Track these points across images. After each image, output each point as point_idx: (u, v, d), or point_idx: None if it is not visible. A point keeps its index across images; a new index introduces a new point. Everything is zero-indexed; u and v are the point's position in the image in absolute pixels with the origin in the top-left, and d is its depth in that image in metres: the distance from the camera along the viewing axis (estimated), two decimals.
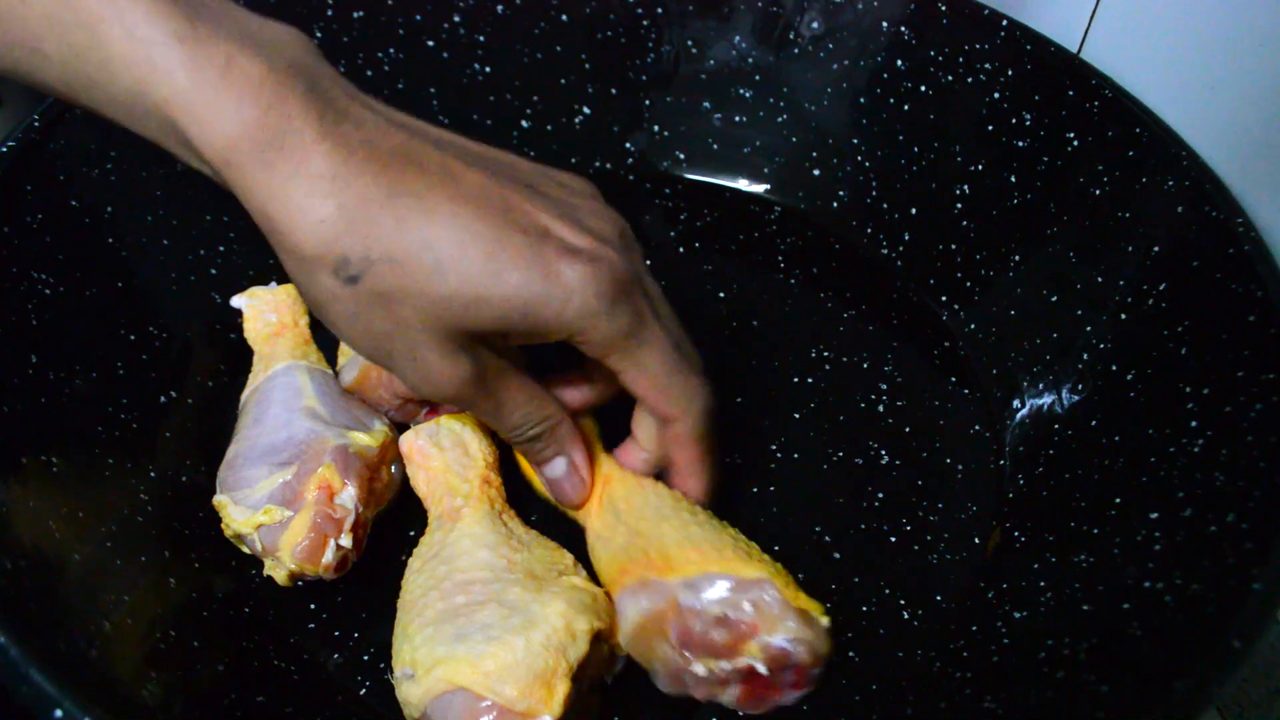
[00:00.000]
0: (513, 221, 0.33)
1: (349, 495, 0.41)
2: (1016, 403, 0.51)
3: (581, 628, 0.36)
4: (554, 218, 0.34)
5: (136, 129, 0.32)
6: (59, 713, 0.29)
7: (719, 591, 0.37)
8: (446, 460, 0.43)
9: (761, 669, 0.36)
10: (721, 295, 0.57)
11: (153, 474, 0.44)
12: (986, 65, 0.54)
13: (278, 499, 0.40)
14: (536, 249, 0.33)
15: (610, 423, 0.44)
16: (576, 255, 0.34)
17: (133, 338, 0.46)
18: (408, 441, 0.44)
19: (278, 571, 0.41)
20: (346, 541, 0.40)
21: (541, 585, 0.38)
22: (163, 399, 0.46)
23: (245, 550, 0.42)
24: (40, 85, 0.32)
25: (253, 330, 0.49)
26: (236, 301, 0.50)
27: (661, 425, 0.40)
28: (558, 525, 0.44)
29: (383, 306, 0.33)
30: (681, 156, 0.63)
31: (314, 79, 0.32)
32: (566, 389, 0.42)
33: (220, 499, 0.41)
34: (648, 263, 0.39)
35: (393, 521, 0.45)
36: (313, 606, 0.43)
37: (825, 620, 0.37)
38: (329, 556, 0.40)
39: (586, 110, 0.62)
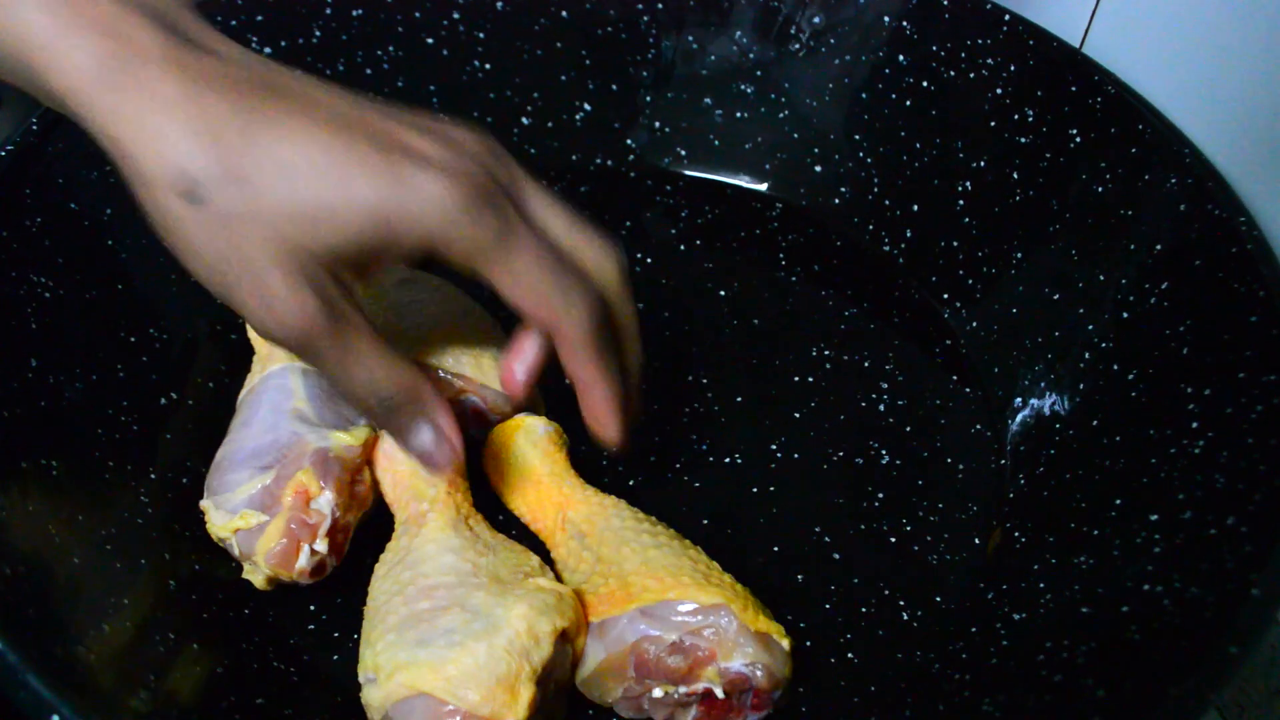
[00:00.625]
0: (368, 136, 0.33)
1: (326, 500, 0.41)
2: (1018, 402, 0.51)
3: (544, 629, 0.36)
4: (412, 133, 0.34)
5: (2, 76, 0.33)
6: (56, 718, 0.29)
7: (676, 618, 0.37)
8: (413, 464, 0.43)
9: (719, 693, 0.37)
10: (722, 293, 0.57)
11: (153, 476, 0.44)
12: (988, 61, 0.54)
13: (256, 503, 0.40)
14: (389, 158, 0.33)
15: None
16: (431, 163, 0.33)
17: (133, 340, 0.46)
18: (375, 445, 0.44)
19: (255, 576, 0.41)
20: (322, 546, 0.40)
21: (506, 589, 0.38)
22: (163, 401, 0.47)
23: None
24: None
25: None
26: None
27: (552, 342, 0.38)
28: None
29: (228, 229, 0.32)
30: (682, 153, 0.63)
31: (171, 18, 0.33)
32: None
33: (204, 503, 0.42)
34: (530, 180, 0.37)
35: (393, 521, 0.45)
36: (312, 608, 0.43)
37: (786, 643, 0.37)
38: (303, 561, 0.40)
39: (587, 107, 0.61)
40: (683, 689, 0.37)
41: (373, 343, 0.36)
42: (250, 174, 0.32)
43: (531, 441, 0.44)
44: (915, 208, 0.58)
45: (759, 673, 0.36)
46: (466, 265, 0.35)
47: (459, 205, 0.33)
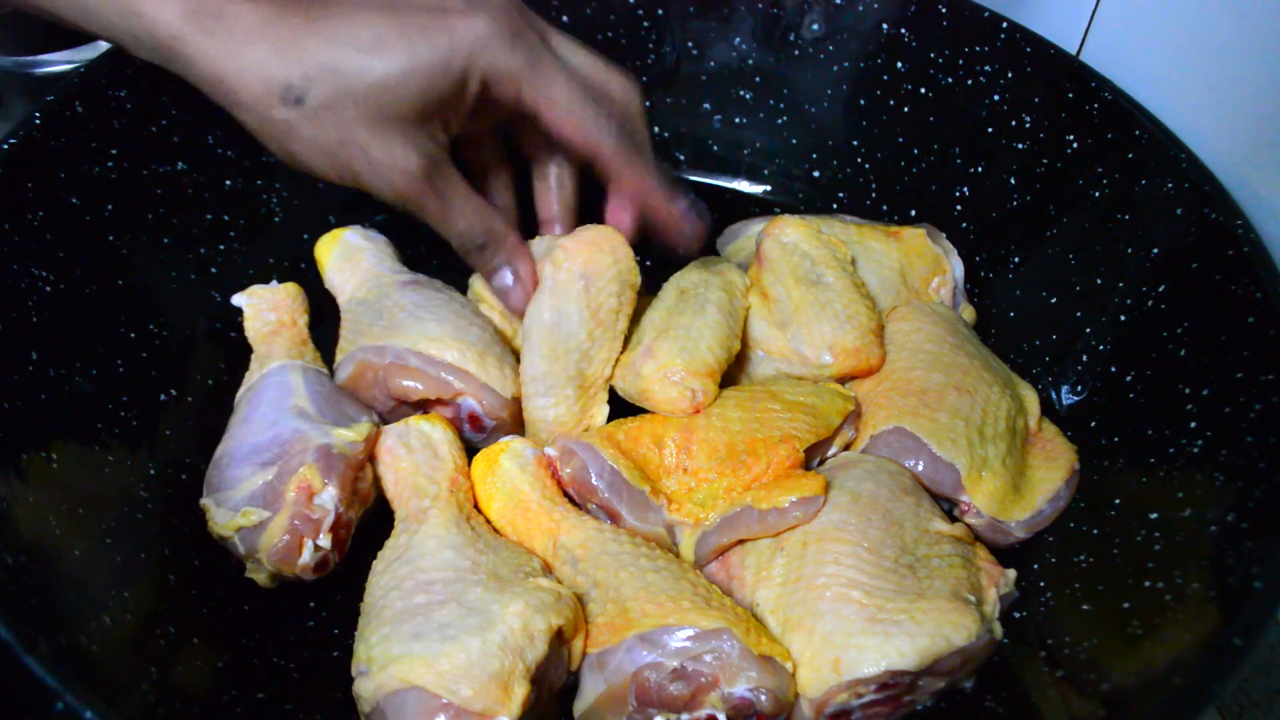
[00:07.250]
0: (414, 8, 0.41)
1: (329, 496, 0.40)
2: None
3: (539, 627, 0.36)
4: None
5: (104, 31, 0.40)
6: (60, 706, 0.29)
7: (677, 644, 0.36)
8: (415, 462, 0.43)
9: (723, 719, 0.36)
10: None
11: (152, 471, 0.44)
12: (986, 67, 0.54)
13: (258, 500, 0.40)
14: (436, 17, 0.40)
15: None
16: (466, 11, 0.41)
17: (133, 335, 0.46)
18: (378, 442, 0.44)
19: (258, 575, 0.41)
20: (325, 542, 0.40)
21: (504, 586, 0.37)
22: (163, 396, 0.46)
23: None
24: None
25: (252, 328, 0.49)
26: (237, 300, 0.50)
27: (595, 163, 0.45)
28: None
29: (330, 115, 0.39)
30: (682, 158, 0.63)
31: None
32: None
33: (205, 501, 0.41)
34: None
35: (391, 520, 0.45)
36: (312, 605, 0.43)
37: (790, 665, 0.37)
38: (306, 557, 0.40)
39: None
40: (685, 717, 0.36)
41: (467, 194, 0.44)
42: (335, 64, 0.39)
43: (519, 465, 0.43)
44: (913, 212, 0.58)
45: (764, 697, 0.36)
46: (511, 97, 0.42)
47: (500, 35, 0.40)
